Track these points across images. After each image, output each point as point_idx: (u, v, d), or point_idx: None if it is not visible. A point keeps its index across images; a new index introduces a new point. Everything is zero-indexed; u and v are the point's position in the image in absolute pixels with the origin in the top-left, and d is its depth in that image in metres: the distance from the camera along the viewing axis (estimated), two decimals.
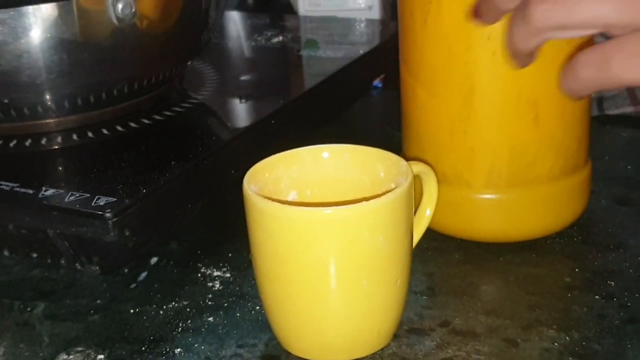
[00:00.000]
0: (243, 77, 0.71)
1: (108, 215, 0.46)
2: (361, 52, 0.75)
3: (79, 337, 0.44)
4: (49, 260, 0.51)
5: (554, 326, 0.43)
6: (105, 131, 0.57)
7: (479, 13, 0.44)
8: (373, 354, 0.41)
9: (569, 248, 0.50)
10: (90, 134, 0.56)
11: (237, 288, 0.48)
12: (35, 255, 0.51)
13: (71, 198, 0.47)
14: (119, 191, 0.48)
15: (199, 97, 0.64)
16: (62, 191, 0.48)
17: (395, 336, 0.42)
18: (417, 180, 0.44)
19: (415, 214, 0.44)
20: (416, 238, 0.45)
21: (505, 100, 0.47)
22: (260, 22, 0.87)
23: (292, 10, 0.95)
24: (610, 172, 0.58)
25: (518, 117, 0.47)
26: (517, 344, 0.42)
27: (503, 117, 0.47)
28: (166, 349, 0.43)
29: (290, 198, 0.44)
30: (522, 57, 0.41)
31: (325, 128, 0.68)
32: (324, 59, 0.73)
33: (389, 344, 0.42)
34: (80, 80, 0.54)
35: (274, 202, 0.39)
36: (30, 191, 0.48)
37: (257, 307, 0.46)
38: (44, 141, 0.56)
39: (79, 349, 0.43)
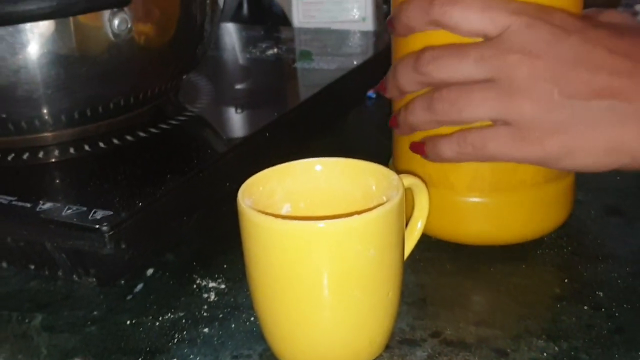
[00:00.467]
0: (238, 89, 0.72)
1: (104, 228, 0.46)
2: (355, 63, 0.76)
3: (76, 348, 0.45)
4: (46, 272, 0.52)
5: (543, 336, 0.43)
6: (101, 144, 0.57)
7: (384, 88, 0.51)
8: None
9: (558, 259, 0.51)
10: (87, 147, 0.57)
11: (232, 299, 0.49)
12: (33, 267, 0.52)
13: (68, 211, 0.48)
14: (115, 204, 0.48)
15: (195, 110, 0.65)
16: (59, 204, 0.49)
17: (388, 347, 0.43)
18: (409, 192, 0.44)
19: (406, 226, 0.45)
20: (408, 250, 0.46)
21: None
22: (255, 34, 0.88)
23: (287, 22, 0.96)
24: (600, 183, 0.59)
25: None
26: (507, 354, 0.42)
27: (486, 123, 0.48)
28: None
29: (284, 211, 0.45)
30: (411, 131, 0.50)
31: (320, 139, 0.69)
32: (319, 70, 0.74)
33: (381, 355, 0.43)
34: (77, 94, 0.55)
35: (267, 216, 0.39)
36: (28, 205, 0.49)
37: (252, 318, 0.46)
38: (41, 154, 0.56)
39: None
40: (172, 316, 0.47)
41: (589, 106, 0.44)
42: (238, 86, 0.73)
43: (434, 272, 0.50)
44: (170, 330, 0.46)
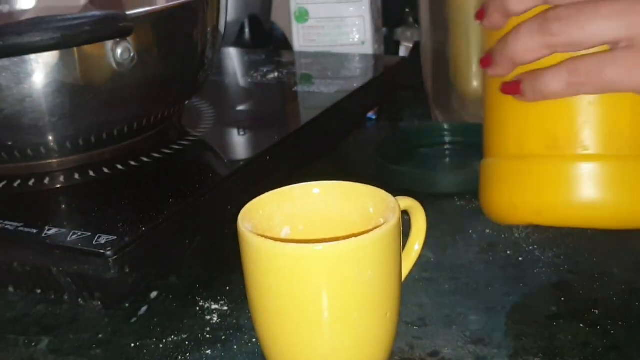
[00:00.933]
0: (240, 113, 0.73)
1: (108, 253, 0.47)
2: (355, 86, 0.77)
3: None
4: (52, 296, 0.53)
5: (540, 354, 0.44)
6: (106, 170, 0.58)
7: (485, 14, 0.45)
8: None
9: (555, 277, 0.52)
10: (91, 173, 0.58)
11: (234, 321, 0.49)
12: (39, 291, 0.53)
13: (73, 237, 0.49)
14: (119, 229, 0.49)
15: (197, 134, 0.66)
16: (64, 230, 0.50)
17: None
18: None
19: (404, 248, 0.46)
20: (405, 271, 0.47)
21: None
22: (256, 57, 0.89)
23: (288, 46, 0.98)
24: None
25: None
26: None
27: None
28: None
29: (283, 234, 0.46)
30: (510, 66, 0.43)
31: (320, 161, 0.70)
32: (319, 93, 0.75)
33: None
34: (81, 122, 0.56)
35: (266, 239, 0.40)
36: (34, 230, 0.50)
37: (254, 340, 0.47)
38: (46, 181, 0.57)
39: None
40: (175, 338, 0.48)
41: None
42: (240, 110, 0.74)
43: (433, 292, 0.51)
44: (173, 352, 0.47)
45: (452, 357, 0.44)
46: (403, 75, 0.85)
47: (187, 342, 0.48)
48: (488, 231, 0.58)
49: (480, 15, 0.45)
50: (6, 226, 0.51)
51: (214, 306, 0.51)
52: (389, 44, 0.97)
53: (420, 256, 0.47)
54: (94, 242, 0.48)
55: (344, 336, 0.41)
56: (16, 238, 0.50)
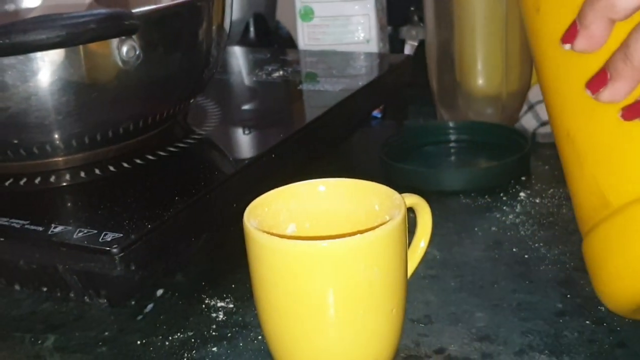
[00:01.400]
0: (245, 112, 0.73)
1: (114, 250, 0.47)
2: (360, 84, 0.77)
3: None
4: (58, 294, 0.53)
5: (546, 351, 0.44)
6: (112, 168, 0.59)
7: (578, 30, 0.36)
8: None
9: (561, 274, 0.51)
10: (97, 171, 0.58)
11: (240, 318, 0.49)
12: (45, 289, 0.53)
13: (79, 234, 0.49)
14: (124, 227, 0.49)
15: (203, 132, 0.66)
16: (70, 228, 0.50)
17: None
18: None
19: (409, 246, 0.46)
20: (411, 269, 0.47)
21: None
22: (261, 56, 0.89)
23: (293, 44, 0.98)
24: None
25: None
26: None
27: None
28: None
29: (289, 231, 0.46)
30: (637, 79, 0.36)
31: (325, 159, 0.70)
32: (324, 91, 0.75)
33: None
34: (87, 120, 0.56)
35: (272, 237, 0.40)
36: (40, 228, 0.50)
37: (260, 337, 0.47)
38: (52, 179, 0.58)
39: None
40: (181, 336, 0.48)
41: None
42: (245, 109, 0.74)
43: (438, 289, 0.51)
44: (179, 349, 0.47)
45: (458, 355, 0.44)
46: (408, 73, 0.85)
47: (193, 340, 0.48)
48: (494, 229, 0.58)
49: (572, 33, 0.36)
50: (12, 224, 0.51)
51: (220, 303, 0.51)
52: (394, 42, 0.97)
53: (426, 254, 0.48)
54: (100, 240, 0.48)
55: (350, 333, 0.41)
56: (22, 236, 0.50)
